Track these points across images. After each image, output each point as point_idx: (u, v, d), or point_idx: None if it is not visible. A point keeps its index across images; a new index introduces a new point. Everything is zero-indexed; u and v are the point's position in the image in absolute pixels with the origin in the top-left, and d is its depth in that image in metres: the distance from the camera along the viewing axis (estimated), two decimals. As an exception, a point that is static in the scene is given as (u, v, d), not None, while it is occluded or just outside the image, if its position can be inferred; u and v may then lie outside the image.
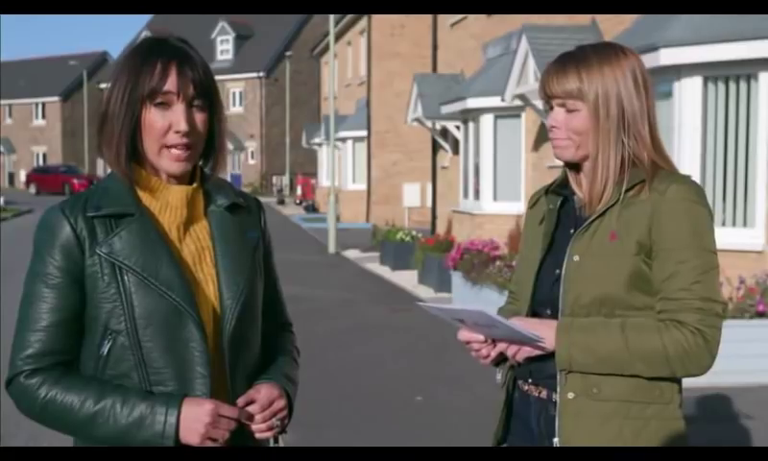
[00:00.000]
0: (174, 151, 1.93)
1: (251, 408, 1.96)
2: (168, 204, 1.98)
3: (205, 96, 1.97)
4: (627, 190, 2.15)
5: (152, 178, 1.98)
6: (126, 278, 1.87)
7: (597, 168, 2.18)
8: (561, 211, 2.31)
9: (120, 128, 1.93)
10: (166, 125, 1.92)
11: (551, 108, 2.23)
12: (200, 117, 1.96)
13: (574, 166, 2.26)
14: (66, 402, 1.85)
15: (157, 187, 1.97)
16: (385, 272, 16.02)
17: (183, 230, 1.99)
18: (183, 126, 1.92)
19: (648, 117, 2.20)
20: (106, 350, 1.88)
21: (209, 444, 1.86)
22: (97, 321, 1.88)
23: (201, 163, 2.06)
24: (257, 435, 1.98)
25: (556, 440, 2.16)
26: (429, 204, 21.39)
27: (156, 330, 1.87)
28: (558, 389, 2.16)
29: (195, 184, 2.02)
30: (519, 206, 14.61)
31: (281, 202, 41.49)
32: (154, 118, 1.92)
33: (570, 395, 2.15)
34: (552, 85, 2.20)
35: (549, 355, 2.16)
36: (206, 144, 2.02)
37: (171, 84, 1.92)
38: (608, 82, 2.15)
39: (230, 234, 2.03)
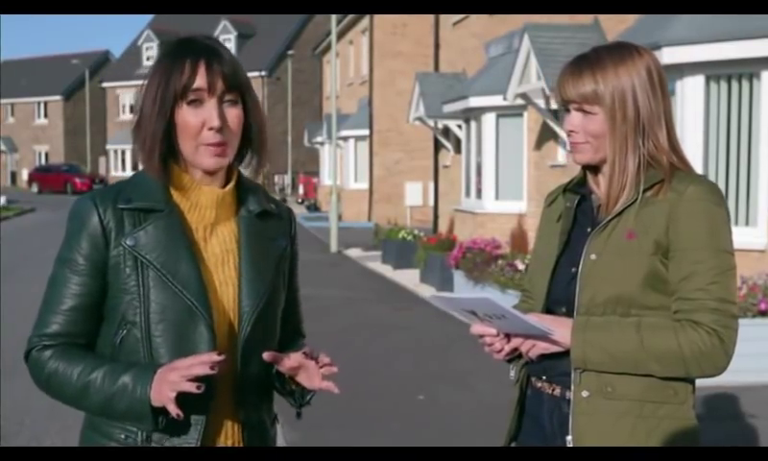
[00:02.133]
0: (210, 147, 1.94)
1: (294, 357, 1.99)
2: (198, 203, 1.99)
3: (237, 91, 1.97)
4: (645, 190, 2.15)
5: (184, 176, 1.99)
6: (146, 272, 1.91)
7: (615, 171, 2.18)
8: (578, 210, 2.31)
9: (153, 128, 1.94)
10: (200, 122, 1.93)
11: (567, 111, 2.23)
12: (233, 113, 1.96)
13: (592, 167, 2.26)
14: (66, 373, 1.91)
15: (189, 186, 1.99)
16: (387, 271, 16.01)
17: (210, 230, 2.00)
18: (216, 122, 1.92)
19: (665, 119, 2.19)
20: (119, 339, 1.92)
21: (188, 387, 1.79)
22: (115, 310, 1.93)
23: (236, 163, 2.06)
24: (320, 383, 2.03)
25: (569, 438, 2.16)
26: (431, 203, 21.39)
27: (168, 327, 1.90)
28: (572, 387, 2.16)
29: (228, 187, 2.02)
30: (521, 206, 14.62)
31: (283, 201, 41.44)
32: (187, 117, 1.93)
33: (584, 393, 2.14)
34: (568, 90, 2.19)
35: (563, 353, 2.16)
36: (243, 142, 2.03)
37: (200, 80, 1.92)
38: (623, 83, 2.15)
39: (258, 241, 2.03)
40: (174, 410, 1.80)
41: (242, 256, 2.00)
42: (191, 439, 1.91)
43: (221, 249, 1.99)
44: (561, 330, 2.14)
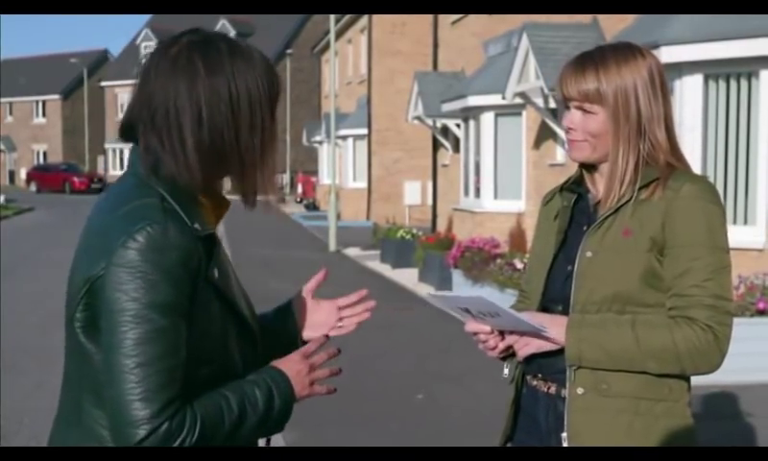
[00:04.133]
0: None
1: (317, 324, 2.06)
2: (212, 222, 1.83)
3: None
4: (641, 188, 2.15)
5: (200, 196, 1.80)
6: (224, 304, 1.75)
7: (616, 170, 2.17)
8: (575, 208, 2.31)
9: (274, 145, 1.80)
10: None
11: (567, 108, 2.23)
12: None
13: (589, 166, 2.26)
14: (214, 420, 1.67)
15: (203, 203, 1.80)
16: (386, 270, 16.01)
17: None
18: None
19: (665, 120, 2.20)
20: (200, 380, 1.70)
21: (318, 390, 1.89)
22: (196, 349, 1.70)
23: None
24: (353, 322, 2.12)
25: (564, 435, 2.16)
26: (430, 202, 21.39)
27: (239, 359, 1.81)
28: (567, 384, 2.17)
29: (226, 202, 1.90)
30: (520, 205, 14.62)
31: (282, 200, 41.51)
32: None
33: (580, 390, 2.15)
34: (570, 87, 2.19)
35: (558, 351, 2.16)
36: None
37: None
38: (627, 84, 2.15)
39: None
40: (325, 389, 1.89)
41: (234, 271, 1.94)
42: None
43: None
44: (555, 329, 2.14)
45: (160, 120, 1.71)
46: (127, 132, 1.80)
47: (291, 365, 1.84)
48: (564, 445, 2.17)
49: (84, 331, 1.71)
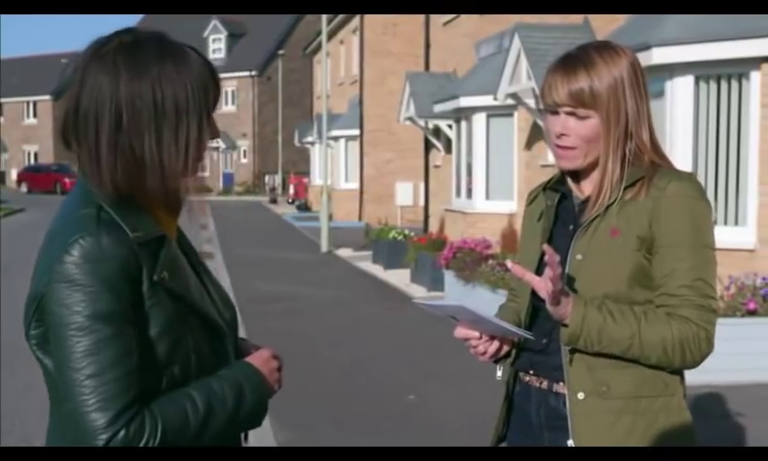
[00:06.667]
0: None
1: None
2: (163, 225, 1.81)
3: None
4: (626, 188, 2.15)
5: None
6: (179, 307, 1.72)
7: (606, 174, 2.16)
8: (559, 208, 2.30)
9: (204, 143, 1.76)
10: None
11: (555, 113, 2.18)
12: None
13: (574, 171, 2.24)
14: (178, 422, 1.66)
15: (153, 204, 1.80)
16: (377, 271, 16.02)
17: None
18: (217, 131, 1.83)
19: (648, 119, 2.19)
20: (164, 382, 1.70)
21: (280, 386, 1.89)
22: (153, 352, 1.68)
23: None
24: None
25: (570, 441, 2.17)
26: (422, 202, 21.39)
27: (205, 356, 1.78)
28: (566, 390, 2.17)
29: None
30: (512, 205, 14.63)
31: (274, 201, 41.47)
32: (214, 128, 1.80)
33: (580, 395, 2.15)
34: (560, 91, 2.15)
35: (551, 349, 2.18)
36: None
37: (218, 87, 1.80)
38: (616, 82, 2.14)
39: (192, 248, 1.92)
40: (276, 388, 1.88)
41: (198, 268, 1.91)
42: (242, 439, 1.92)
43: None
44: (558, 308, 2.09)
45: (81, 122, 1.69)
46: (64, 136, 1.75)
47: (262, 361, 1.84)
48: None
49: (40, 348, 1.71)
